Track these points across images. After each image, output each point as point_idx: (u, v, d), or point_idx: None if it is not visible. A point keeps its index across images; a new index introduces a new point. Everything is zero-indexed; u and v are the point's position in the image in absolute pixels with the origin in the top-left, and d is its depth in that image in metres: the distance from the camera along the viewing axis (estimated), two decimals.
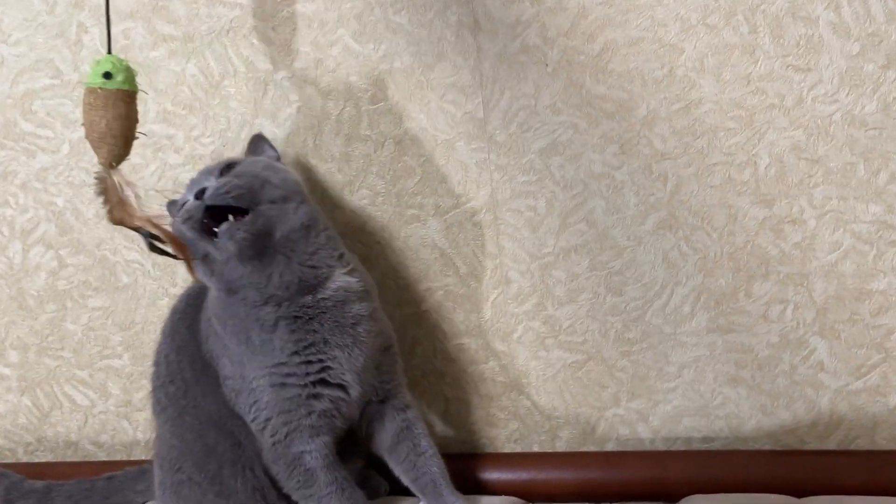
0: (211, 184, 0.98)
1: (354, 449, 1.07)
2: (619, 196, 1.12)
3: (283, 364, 0.98)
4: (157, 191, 1.21)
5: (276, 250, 0.97)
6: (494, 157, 1.14)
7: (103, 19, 1.18)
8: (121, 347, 1.31)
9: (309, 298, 0.98)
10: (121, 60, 0.92)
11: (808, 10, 1.03)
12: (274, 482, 1.02)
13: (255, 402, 1.00)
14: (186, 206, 0.97)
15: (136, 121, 0.92)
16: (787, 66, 1.05)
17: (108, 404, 1.33)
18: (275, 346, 0.98)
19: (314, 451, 1.00)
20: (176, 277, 1.26)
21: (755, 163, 1.08)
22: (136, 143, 0.92)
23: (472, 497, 1.08)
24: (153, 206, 0.99)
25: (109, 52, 0.93)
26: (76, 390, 1.33)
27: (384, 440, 1.07)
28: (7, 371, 1.35)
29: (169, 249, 0.94)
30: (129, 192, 0.91)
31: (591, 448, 1.19)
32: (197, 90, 1.20)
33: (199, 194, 0.97)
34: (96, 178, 0.91)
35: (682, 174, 1.10)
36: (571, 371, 1.18)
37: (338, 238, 1.04)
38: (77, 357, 1.32)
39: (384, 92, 1.15)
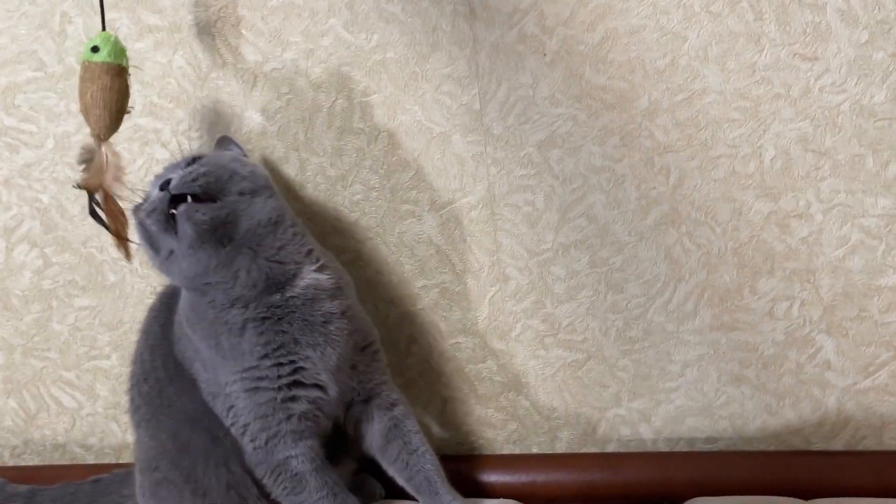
0: (176, 175, 0.96)
1: (345, 451, 1.06)
2: (619, 190, 1.11)
3: (253, 368, 0.97)
4: (143, 190, 1.20)
5: (241, 244, 0.95)
6: (491, 151, 1.13)
7: (87, 9, 1.19)
8: (108, 348, 1.30)
9: (277, 297, 0.97)
10: (109, 36, 0.99)
11: None
12: (255, 479, 1.01)
13: (231, 408, 0.99)
14: (151, 199, 0.96)
15: (126, 95, 0.99)
16: (794, 55, 1.04)
17: (97, 406, 1.32)
18: (244, 349, 0.97)
19: (300, 455, 0.98)
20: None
21: (760, 155, 1.07)
22: (121, 137, 0.96)
23: (470, 500, 1.07)
24: (125, 189, 1.02)
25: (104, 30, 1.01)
26: (63, 392, 1.33)
27: (373, 441, 1.05)
28: None
29: (106, 221, 0.99)
30: (111, 165, 0.96)
31: (592, 449, 1.19)
32: (184, 82, 1.20)
33: (164, 185, 0.95)
34: (82, 149, 0.96)
35: (684, 167, 1.09)
36: (571, 370, 1.17)
37: (308, 234, 1.03)
38: (64, 358, 1.31)
39: (377, 83, 1.14)
